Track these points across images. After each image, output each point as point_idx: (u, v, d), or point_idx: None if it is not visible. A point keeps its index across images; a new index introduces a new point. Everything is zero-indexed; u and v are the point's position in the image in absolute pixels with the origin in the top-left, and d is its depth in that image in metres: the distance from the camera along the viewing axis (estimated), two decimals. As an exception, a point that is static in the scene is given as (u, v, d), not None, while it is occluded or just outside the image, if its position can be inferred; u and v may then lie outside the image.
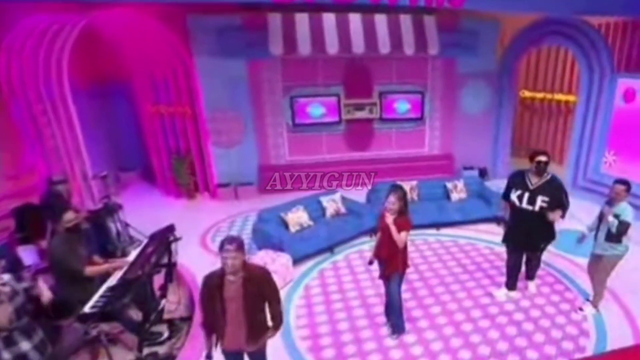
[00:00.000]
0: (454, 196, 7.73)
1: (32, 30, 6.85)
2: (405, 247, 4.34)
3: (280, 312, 3.36)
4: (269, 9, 8.32)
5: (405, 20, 8.87)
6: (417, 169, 9.59)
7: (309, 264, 6.35)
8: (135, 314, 4.40)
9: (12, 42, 6.81)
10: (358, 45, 8.78)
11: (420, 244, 6.95)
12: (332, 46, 8.67)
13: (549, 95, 11.05)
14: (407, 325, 4.80)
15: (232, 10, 8.22)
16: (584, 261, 5.41)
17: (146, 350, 4.38)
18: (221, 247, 3.00)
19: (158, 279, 4.79)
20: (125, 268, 4.45)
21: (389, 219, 4.13)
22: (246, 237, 6.81)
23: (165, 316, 4.82)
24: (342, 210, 7.23)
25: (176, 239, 4.89)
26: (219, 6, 7.97)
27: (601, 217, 4.74)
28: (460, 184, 7.85)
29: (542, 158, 4.78)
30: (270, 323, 3.34)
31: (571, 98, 10.44)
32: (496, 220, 7.28)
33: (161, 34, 7.99)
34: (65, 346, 3.73)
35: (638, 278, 5.64)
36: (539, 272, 5.69)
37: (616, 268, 4.85)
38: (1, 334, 3.10)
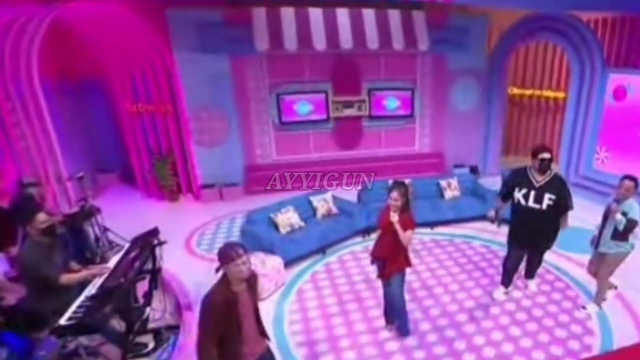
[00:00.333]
0: (448, 194, 7.58)
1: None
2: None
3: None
4: (253, 3, 8.04)
5: (394, 16, 8.75)
6: (408, 167, 9.43)
7: (301, 266, 6.13)
8: (118, 324, 4.09)
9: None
10: (346, 40, 8.63)
11: (415, 243, 6.74)
12: (319, 42, 8.49)
13: (537, 92, 11.06)
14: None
15: (214, 3, 7.91)
16: (580, 257, 5.29)
17: (130, 364, 4.07)
18: (232, 255, 2.64)
19: (142, 286, 4.54)
20: (105, 275, 4.17)
21: (394, 217, 3.92)
22: (234, 239, 6.52)
23: (150, 325, 4.57)
24: (334, 210, 7.02)
25: (161, 243, 4.64)
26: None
27: (607, 215, 4.59)
28: (454, 182, 7.71)
29: (546, 155, 4.61)
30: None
31: (560, 95, 10.48)
32: (489, 219, 7.11)
33: (138, 28, 7.59)
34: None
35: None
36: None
37: (620, 266, 4.74)
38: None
